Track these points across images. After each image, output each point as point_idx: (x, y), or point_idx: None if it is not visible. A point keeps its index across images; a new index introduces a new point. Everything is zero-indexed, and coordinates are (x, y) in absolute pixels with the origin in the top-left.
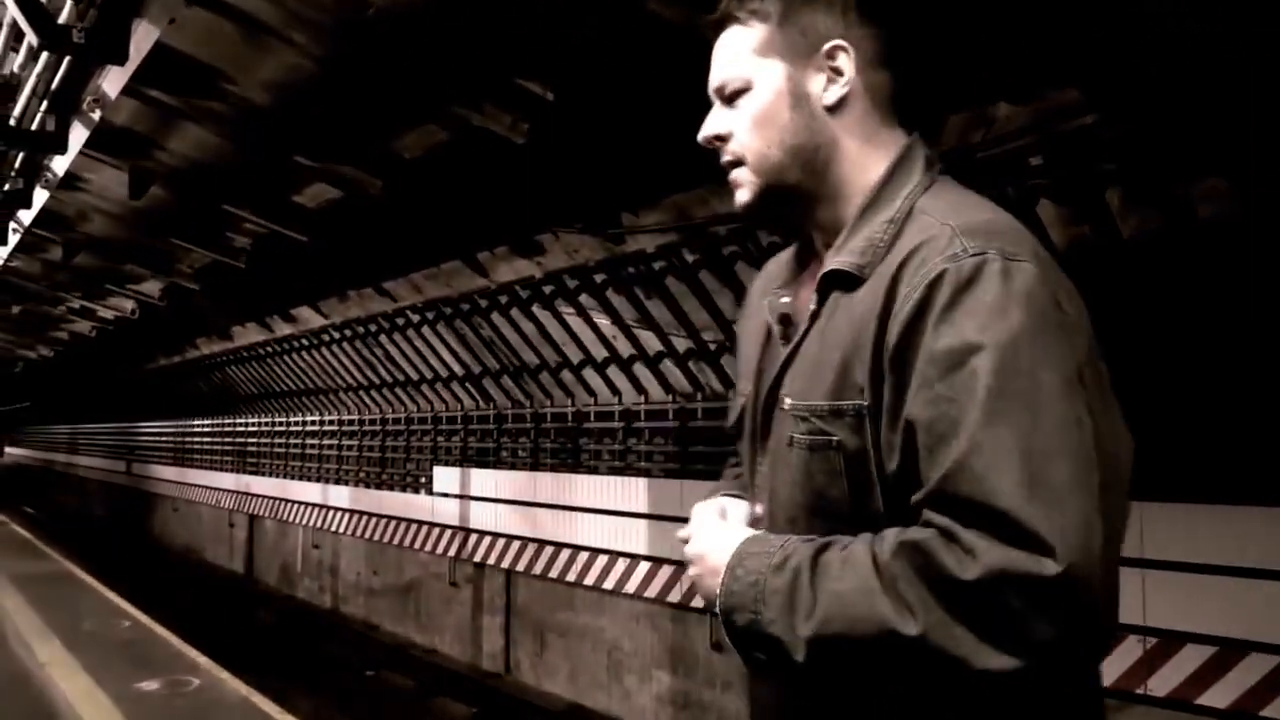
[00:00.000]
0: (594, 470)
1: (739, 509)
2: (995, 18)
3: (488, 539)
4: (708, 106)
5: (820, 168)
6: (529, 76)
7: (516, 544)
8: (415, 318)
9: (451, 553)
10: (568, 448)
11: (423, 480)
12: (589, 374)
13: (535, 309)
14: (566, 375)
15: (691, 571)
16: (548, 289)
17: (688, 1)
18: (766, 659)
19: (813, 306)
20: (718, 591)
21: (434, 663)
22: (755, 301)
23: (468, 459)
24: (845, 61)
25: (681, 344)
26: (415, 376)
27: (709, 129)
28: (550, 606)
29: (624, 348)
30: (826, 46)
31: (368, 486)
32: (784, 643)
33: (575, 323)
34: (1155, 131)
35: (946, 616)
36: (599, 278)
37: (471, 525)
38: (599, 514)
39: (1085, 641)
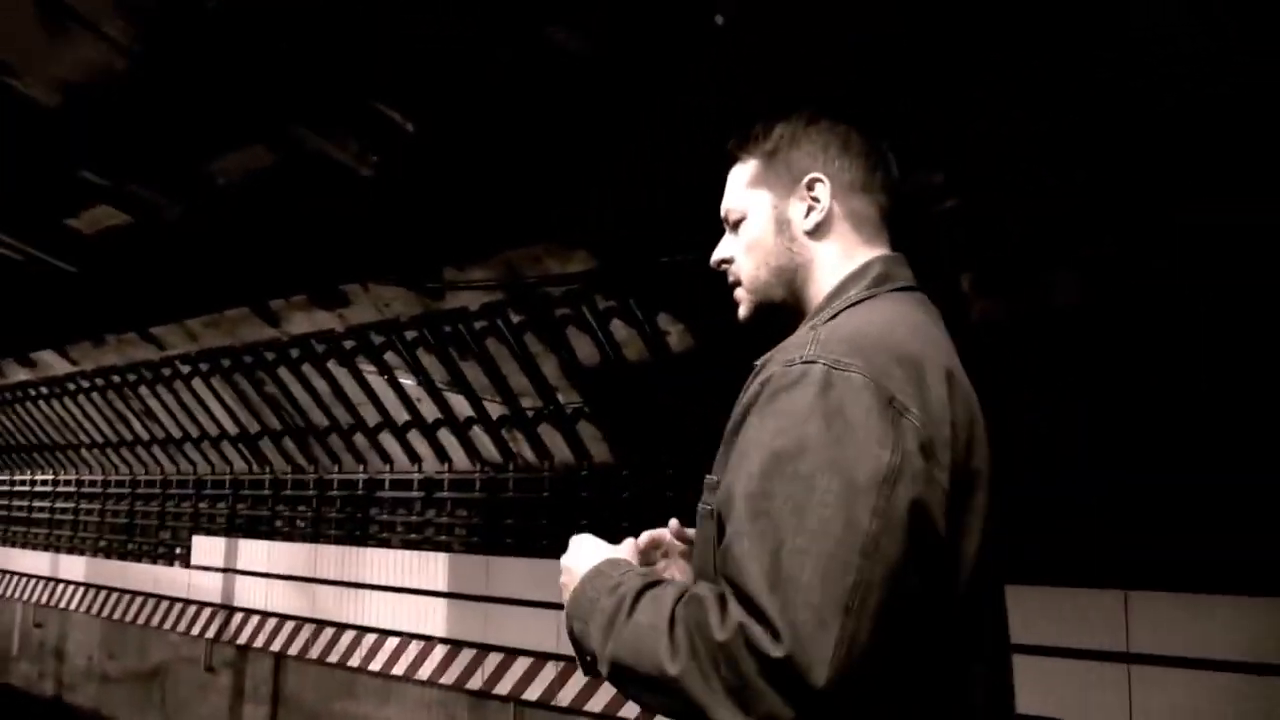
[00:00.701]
0: (385, 543)
1: (628, 540)
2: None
3: (255, 619)
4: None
5: (799, 285)
6: (390, 101)
7: (290, 624)
8: (185, 369)
9: (210, 634)
10: (356, 518)
11: (179, 551)
12: (385, 438)
13: (331, 365)
14: (359, 439)
15: (562, 579)
16: (349, 344)
17: (591, 34)
18: (591, 665)
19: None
20: (566, 597)
21: None
22: None
23: (235, 528)
24: (822, 191)
25: (495, 410)
26: (178, 434)
27: (718, 254)
28: (326, 695)
29: (429, 411)
30: (806, 179)
31: (109, 556)
32: (597, 657)
33: (376, 382)
34: (1013, 219)
35: (698, 666)
36: (410, 335)
37: (236, 603)
38: (390, 591)
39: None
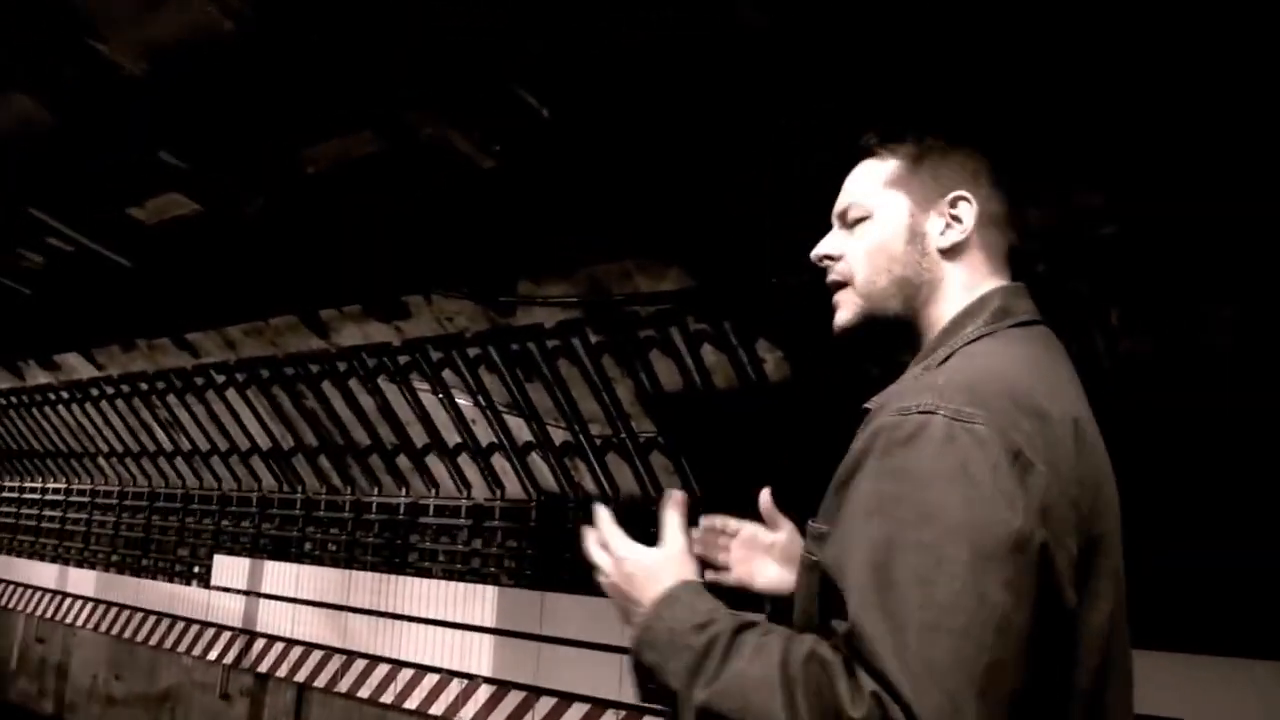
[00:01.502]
0: (426, 573)
1: (678, 535)
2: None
3: (279, 645)
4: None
5: (919, 304)
6: (527, 84)
7: (317, 653)
8: (220, 378)
9: (228, 659)
10: (395, 544)
11: (197, 570)
12: (432, 461)
13: (381, 380)
14: (403, 460)
15: (607, 580)
16: (404, 359)
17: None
18: (657, 695)
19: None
20: (635, 620)
21: None
22: None
23: (261, 548)
24: (966, 211)
25: (557, 435)
26: (204, 446)
27: (823, 248)
28: None
29: (483, 434)
30: (951, 195)
31: (122, 572)
32: (678, 696)
33: (429, 401)
34: (1176, 249)
35: None
36: (473, 351)
37: (259, 627)
38: (431, 625)
39: None
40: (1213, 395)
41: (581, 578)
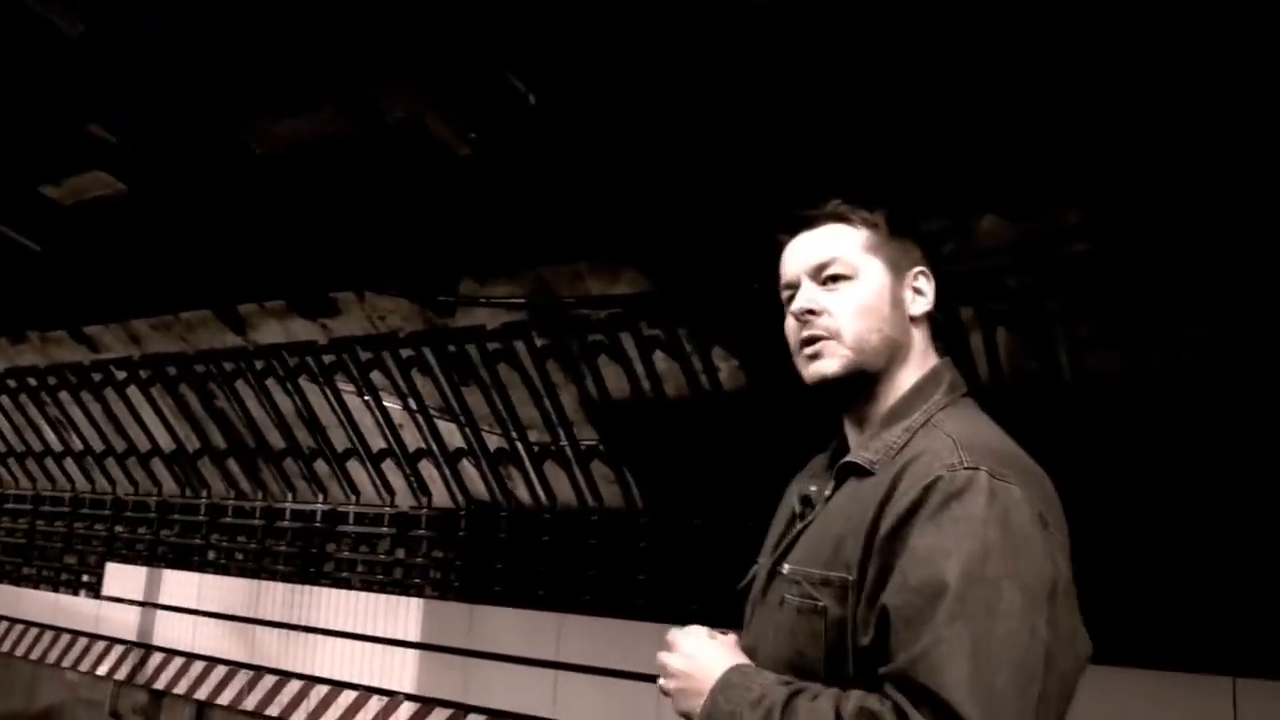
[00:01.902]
0: (344, 584)
1: (729, 637)
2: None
3: (177, 660)
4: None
5: (895, 365)
6: (516, 69)
7: (221, 669)
8: (121, 374)
9: (120, 674)
10: (310, 553)
11: (86, 579)
12: (353, 466)
13: (303, 381)
14: (321, 465)
15: (672, 685)
16: (329, 359)
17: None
18: None
19: (827, 492)
20: (698, 711)
21: None
22: (790, 490)
23: (159, 557)
24: (926, 284)
25: (493, 441)
26: (98, 447)
27: (809, 303)
28: None
29: (412, 439)
30: (915, 270)
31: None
32: None
33: (354, 403)
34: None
35: None
36: (406, 353)
37: (155, 641)
38: (348, 639)
39: None
40: (1179, 414)
41: (515, 590)
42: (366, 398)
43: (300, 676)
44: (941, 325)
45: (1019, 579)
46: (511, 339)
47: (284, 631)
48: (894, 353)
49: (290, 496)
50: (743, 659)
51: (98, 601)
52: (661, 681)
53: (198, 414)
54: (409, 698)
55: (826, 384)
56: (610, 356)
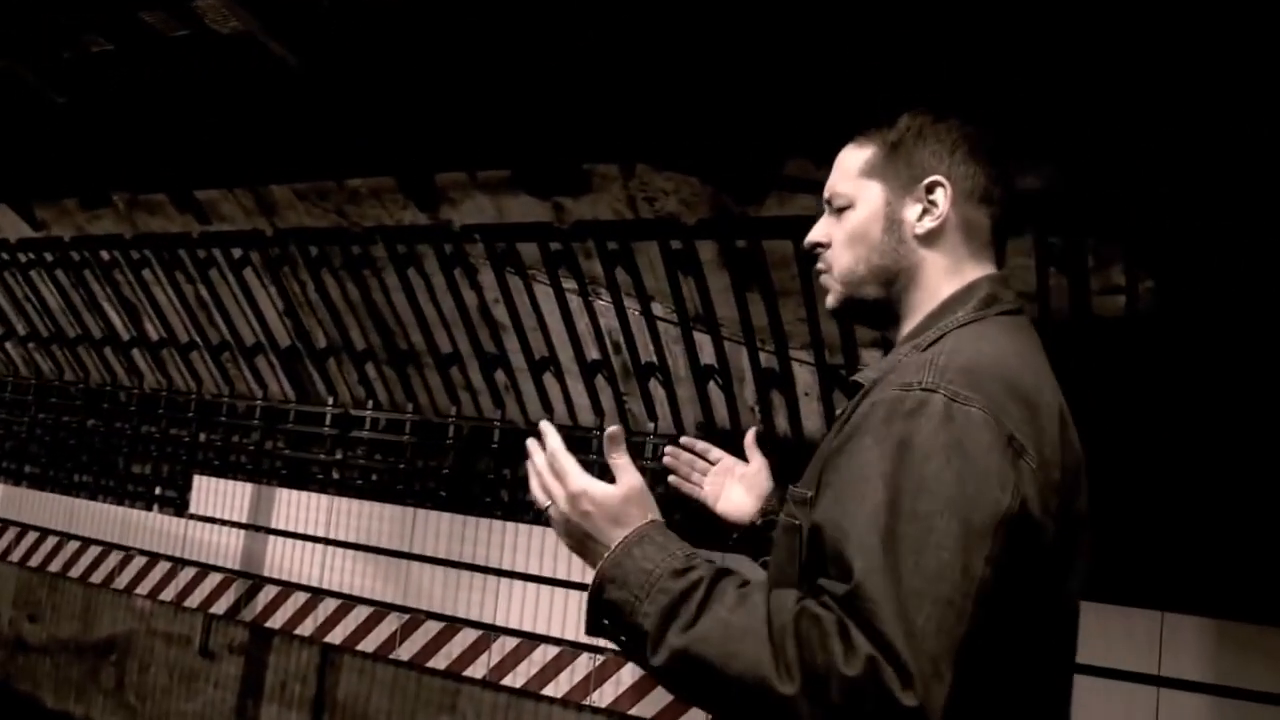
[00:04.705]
0: (526, 518)
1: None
2: None
3: (300, 596)
4: None
5: (899, 290)
6: None
7: (363, 610)
8: (237, 252)
9: (218, 608)
10: (488, 480)
11: (162, 493)
12: (544, 378)
13: (493, 269)
14: (499, 376)
15: (561, 508)
16: (555, 246)
17: None
18: (612, 632)
19: (839, 412)
20: (600, 554)
21: None
22: None
23: (264, 472)
24: (941, 196)
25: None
26: (182, 337)
27: (814, 236)
28: (413, 710)
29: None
30: (926, 181)
31: (42, 487)
32: (648, 638)
33: (547, 302)
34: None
35: (816, 694)
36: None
37: (268, 572)
38: (543, 583)
39: None
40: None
41: None
42: (596, 298)
43: (478, 625)
44: (998, 229)
45: (958, 511)
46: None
47: (452, 570)
48: (889, 279)
49: (455, 410)
50: (658, 514)
51: (181, 520)
52: (547, 501)
53: (334, 304)
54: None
55: (836, 316)
56: None
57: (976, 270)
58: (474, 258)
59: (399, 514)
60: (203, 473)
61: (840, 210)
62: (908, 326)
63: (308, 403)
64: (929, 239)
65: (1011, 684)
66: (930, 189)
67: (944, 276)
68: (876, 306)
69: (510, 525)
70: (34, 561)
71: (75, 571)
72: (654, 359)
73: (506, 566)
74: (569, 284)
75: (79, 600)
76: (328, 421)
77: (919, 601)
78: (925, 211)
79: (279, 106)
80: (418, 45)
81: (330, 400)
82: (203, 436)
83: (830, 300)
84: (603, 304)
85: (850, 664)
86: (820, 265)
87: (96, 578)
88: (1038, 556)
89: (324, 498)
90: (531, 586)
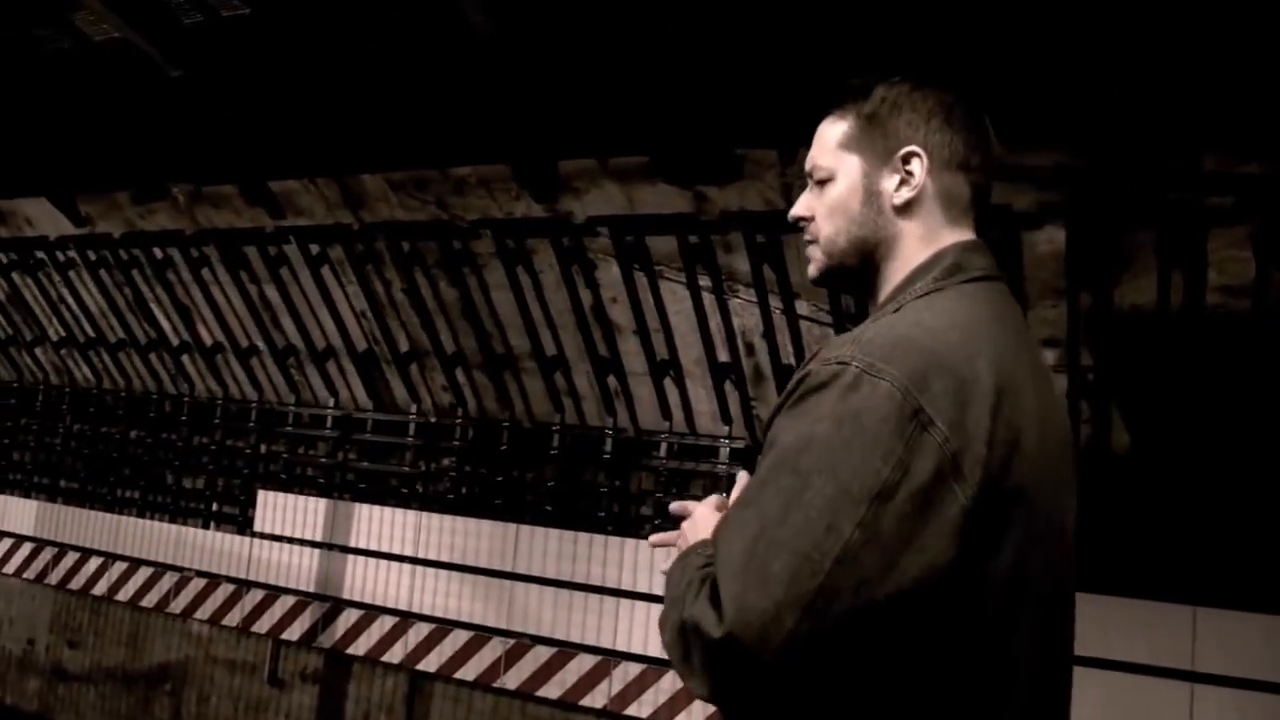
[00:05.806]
0: (640, 534)
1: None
2: None
3: (387, 621)
4: None
5: (877, 260)
6: None
7: (461, 635)
8: (315, 248)
9: (292, 634)
10: (599, 492)
11: (220, 509)
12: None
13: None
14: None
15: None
16: (694, 239)
17: None
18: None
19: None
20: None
21: None
22: None
23: (336, 486)
24: (917, 167)
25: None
26: (243, 342)
27: (798, 210)
28: None
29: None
30: (902, 151)
31: (82, 503)
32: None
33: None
34: None
35: (671, 638)
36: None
37: (346, 594)
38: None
39: (750, 696)
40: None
41: None
42: (732, 295)
43: (595, 649)
44: (979, 194)
45: (835, 475)
46: (1026, 225)
47: (563, 591)
48: (868, 250)
49: (559, 417)
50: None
51: (243, 538)
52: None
53: (424, 303)
54: None
55: (817, 285)
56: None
57: (951, 237)
58: (593, 252)
59: (498, 530)
60: (266, 487)
61: (821, 183)
62: (882, 296)
63: (384, 411)
64: (907, 209)
65: (937, 657)
66: (906, 159)
67: (918, 245)
68: (856, 276)
69: (629, 542)
70: (75, 584)
71: (123, 595)
72: (792, 361)
73: (626, 586)
74: (702, 280)
75: (125, 625)
76: (411, 431)
77: (776, 550)
78: (902, 182)
79: (373, 88)
80: (546, 18)
81: (414, 408)
82: (263, 448)
83: (812, 270)
84: (738, 302)
85: (691, 606)
86: (807, 236)
87: (148, 601)
88: (946, 527)
89: (410, 513)
90: (656, 608)
